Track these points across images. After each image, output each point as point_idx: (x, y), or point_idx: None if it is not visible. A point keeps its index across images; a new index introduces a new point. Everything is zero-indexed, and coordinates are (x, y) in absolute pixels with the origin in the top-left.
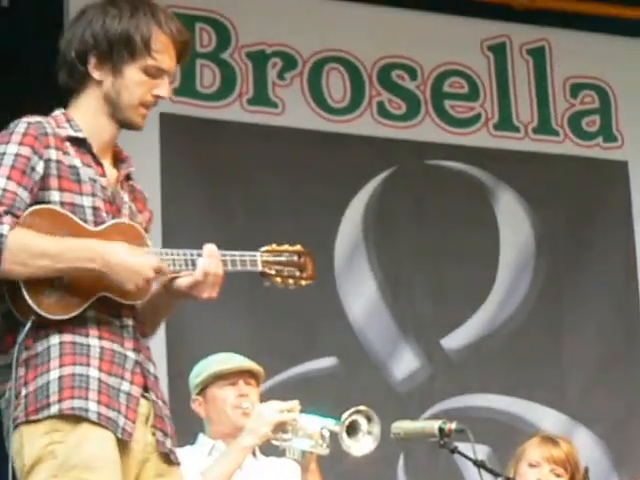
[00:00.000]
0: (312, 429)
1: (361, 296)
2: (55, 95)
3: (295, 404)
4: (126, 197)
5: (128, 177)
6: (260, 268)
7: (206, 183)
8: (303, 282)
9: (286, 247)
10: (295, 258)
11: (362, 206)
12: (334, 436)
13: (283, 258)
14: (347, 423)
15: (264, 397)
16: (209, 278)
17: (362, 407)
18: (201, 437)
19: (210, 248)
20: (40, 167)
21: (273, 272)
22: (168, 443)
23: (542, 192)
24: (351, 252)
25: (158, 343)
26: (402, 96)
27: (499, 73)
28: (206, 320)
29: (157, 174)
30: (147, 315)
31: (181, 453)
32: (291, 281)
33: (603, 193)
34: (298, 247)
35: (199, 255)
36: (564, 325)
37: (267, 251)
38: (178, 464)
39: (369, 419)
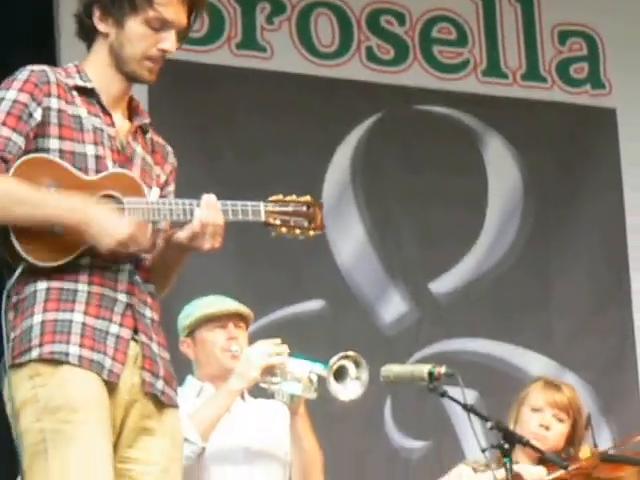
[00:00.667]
0: (300, 373)
1: (349, 240)
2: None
3: (284, 347)
4: (139, 149)
5: (145, 131)
6: (263, 218)
7: (194, 126)
8: (312, 232)
9: (294, 197)
10: (304, 209)
11: (350, 150)
12: (322, 380)
13: (290, 208)
14: (335, 368)
15: (253, 338)
16: (208, 229)
17: (350, 352)
18: (189, 379)
19: (207, 198)
20: (38, 114)
21: (278, 222)
22: (159, 385)
23: (530, 138)
24: (339, 196)
25: None
26: (390, 41)
27: (487, 19)
28: (194, 263)
29: None
30: (158, 272)
31: None
32: (298, 231)
33: (591, 139)
34: (307, 198)
35: (198, 205)
36: (552, 269)
37: (272, 201)
38: (173, 406)
39: (357, 364)
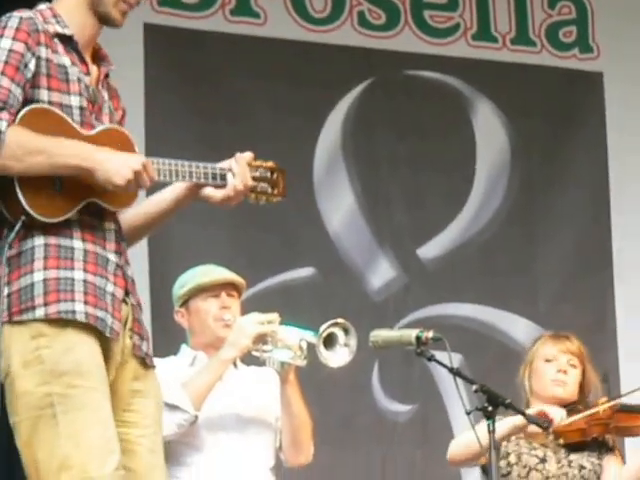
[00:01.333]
0: (291, 341)
1: (339, 207)
2: None
3: (275, 316)
4: (106, 95)
5: (106, 75)
6: None
7: (189, 91)
8: (274, 199)
9: (260, 162)
10: (268, 174)
11: (341, 116)
12: (312, 348)
13: (257, 173)
14: (324, 335)
15: (245, 305)
16: (241, 192)
17: (340, 319)
18: (184, 348)
19: (242, 159)
20: (32, 64)
21: None
22: (144, 346)
23: (518, 101)
24: (330, 163)
25: (140, 256)
26: (382, 6)
27: None
28: (187, 232)
29: (141, 83)
30: (145, 228)
31: (165, 363)
32: (263, 197)
33: (578, 102)
34: (271, 163)
35: (215, 169)
36: (538, 233)
37: None
38: (153, 367)
39: (346, 331)
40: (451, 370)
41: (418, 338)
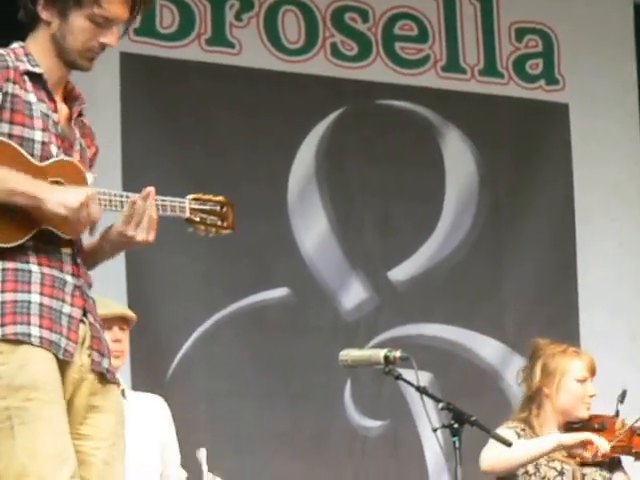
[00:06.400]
0: None
1: (313, 231)
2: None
3: None
4: (77, 133)
5: (80, 114)
6: (187, 215)
7: (165, 120)
8: (223, 231)
9: (210, 197)
10: (218, 208)
11: (315, 143)
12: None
13: (207, 207)
14: None
15: (219, 327)
16: (144, 220)
17: None
18: None
19: (147, 191)
20: None
21: (198, 219)
22: (105, 363)
23: (486, 131)
24: (303, 188)
25: (119, 280)
26: (354, 38)
27: (448, 17)
28: (165, 256)
29: (118, 112)
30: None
31: None
32: (213, 230)
33: (544, 133)
34: (221, 198)
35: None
36: (505, 258)
37: (194, 199)
38: (115, 383)
39: None
40: (417, 388)
41: (386, 357)
